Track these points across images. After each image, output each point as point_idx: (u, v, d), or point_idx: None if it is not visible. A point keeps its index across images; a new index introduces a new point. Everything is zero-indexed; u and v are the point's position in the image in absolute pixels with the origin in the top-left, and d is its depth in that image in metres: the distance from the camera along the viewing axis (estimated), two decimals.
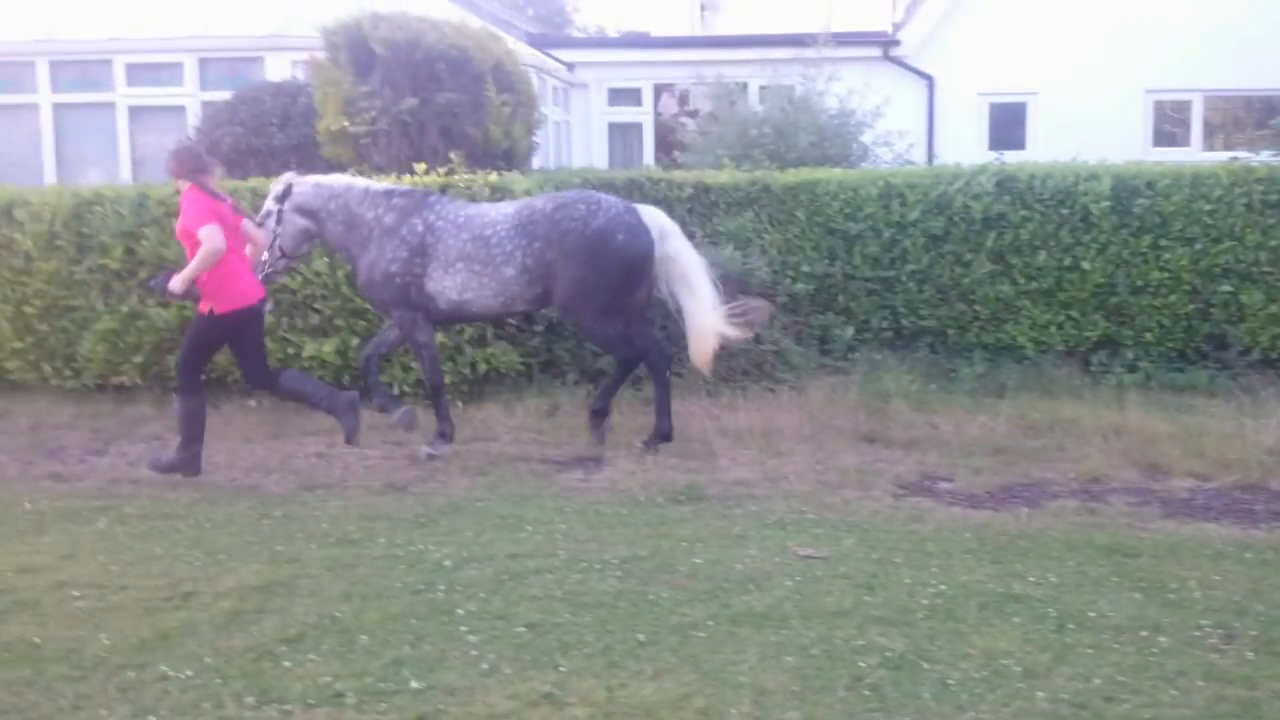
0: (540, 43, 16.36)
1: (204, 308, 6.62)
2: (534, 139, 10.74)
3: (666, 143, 16.74)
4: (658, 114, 17.46)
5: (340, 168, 9.13)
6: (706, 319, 7.02)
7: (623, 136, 17.47)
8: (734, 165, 10.34)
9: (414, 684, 3.89)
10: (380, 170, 8.81)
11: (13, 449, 7.55)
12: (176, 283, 6.51)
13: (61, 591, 4.83)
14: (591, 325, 7.14)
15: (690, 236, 9.50)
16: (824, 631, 4.34)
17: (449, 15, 10.59)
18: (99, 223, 8.55)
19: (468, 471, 6.82)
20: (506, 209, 7.18)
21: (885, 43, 16.38)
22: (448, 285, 7.01)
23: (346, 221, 7.20)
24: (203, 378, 7.01)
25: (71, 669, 4.06)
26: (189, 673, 3.98)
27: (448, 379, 8.16)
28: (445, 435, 7.21)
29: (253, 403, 8.43)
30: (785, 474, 6.60)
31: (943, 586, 4.83)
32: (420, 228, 7.05)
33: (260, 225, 7.16)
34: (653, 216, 7.14)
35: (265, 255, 7.11)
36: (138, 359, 8.62)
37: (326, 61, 9.50)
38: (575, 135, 16.93)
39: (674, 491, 6.27)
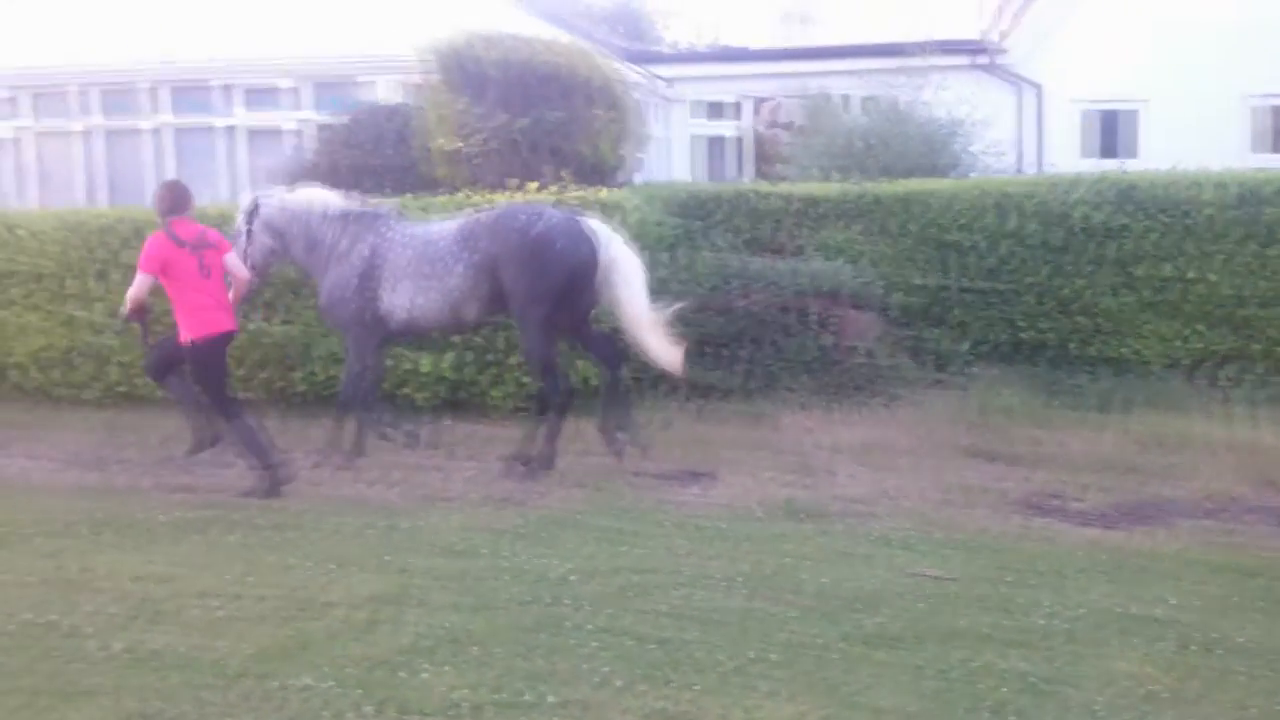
0: (636, 59, 16.44)
1: (183, 339, 6.88)
2: (638, 155, 10.79)
3: (762, 156, 16.70)
4: (755, 128, 17.43)
5: (453, 188, 9.29)
6: (642, 315, 7.04)
7: (720, 150, 17.48)
8: (840, 177, 10.27)
9: (550, 698, 3.92)
10: (492, 189, 8.93)
11: (146, 463, 7.79)
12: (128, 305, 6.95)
13: (203, 600, 4.97)
14: (531, 340, 7.13)
15: (799, 249, 9.53)
16: (962, 654, 4.25)
17: (558, 36, 10.73)
18: None
19: (575, 484, 6.86)
20: (451, 224, 7.34)
21: (988, 51, 16.09)
22: (397, 303, 7.19)
23: (307, 242, 7.42)
24: (235, 396, 7.35)
25: (217, 677, 4.18)
26: (330, 683, 4.07)
27: None
28: (337, 444, 7.49)
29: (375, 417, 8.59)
30: (905, 492, 6.50)
31: (1079, 609, 4.70)
32: (366, 251, 7.25)
33: (233, 242, 7.31)
34: (595, 226, 7.19)
35: (238, 274, 7.08)
36: (262, 375, 8.85)
37: (439, 83, 9.69)
38: (673, 150, 16.98)
39: (792, 508, 6.22)
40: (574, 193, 8.39)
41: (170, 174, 13.67)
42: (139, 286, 6.80)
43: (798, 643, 4.39)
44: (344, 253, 7.29)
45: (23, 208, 13.02)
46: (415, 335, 7.76)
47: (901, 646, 4.34)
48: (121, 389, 9.03)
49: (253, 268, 7.37)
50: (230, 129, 13.63)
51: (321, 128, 12.64)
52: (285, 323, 8.68)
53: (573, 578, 5.14)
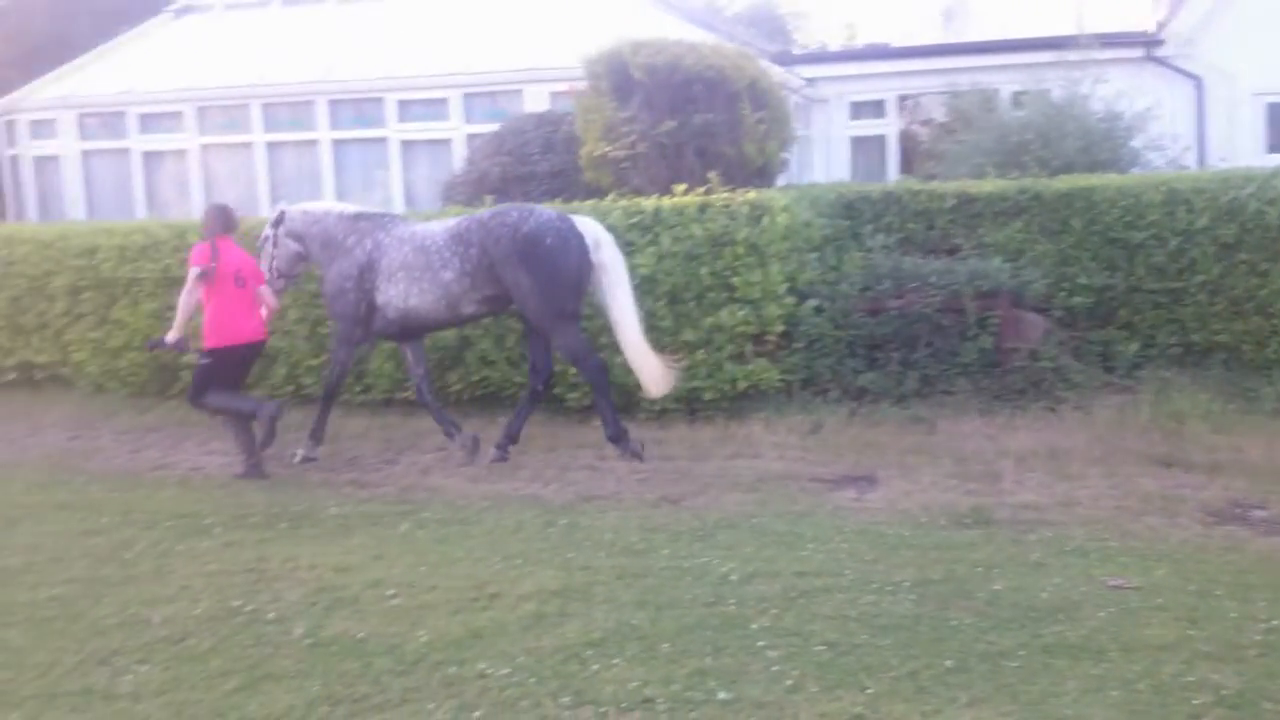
0: (779, 59, 16.35)
1: (208, 344, 7.47)
2: (784, 155, 10.71)
3: (910, 154, 16.37)
4: (901, 126, 17.11)
5: (600, 192, 9.39)
6: (630, 320, 7.28)
7: (864, 150, 17.22)
8: (994, 174, 9.98)
9: (721, 695, 3.91)
10: (639, 192, 9.00)
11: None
12: (171, 332, 7.57)
13: (378, 590, 5.13)
14: (555, 335, 7.37)
15: (954, 249, 9.30)
16: (1148, 665, 4.07)
17: (704, 38, 10.75)
18: None
19: (737, 487, 6.82)
20: (448, 223, 7.71)
21: (1148, 42, 15.40)
22: (393, 294, 7.61)
23: (324, 243, 7.96)
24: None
25: (395, 663, 4.30)
26: (505, 671, 4.15)
27: (710, 395, 8.26)
28: (316, 439, 7.93)
29: None
30: (1078, 498, 6.26)
31: (1272, 620, 4.44)
32: (369, 245, 7.74)
33: (260, 249, 8.05)
34: (587, 225, 7.39)
35: (270, 303, 7.87)
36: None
37: (588, 90, 9.81)
38: (815, 150, 16.81)
39: (958, 514, 6.05)
40: (721, 194, 8.39)
41: (330, 185, 14.26)
42: (191, 290, 7.43)
43: (972, 650, 4.26)
44: (350, 248, 7.81)
45: (183, 216, 13.72)
46: (415, 330, 7.93)
47: (1083, 656, 4.18)
48: (287, 387, 9.38)
49: (279, 272, 8.08)
50: (385, 140, 14.10)
51: (471, 137, 12.96)
52: None
53: (743, 579, 5.11)
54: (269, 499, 6.92)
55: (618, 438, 7.40)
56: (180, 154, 15.01)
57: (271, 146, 14.57)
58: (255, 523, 6.42)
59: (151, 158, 15.19)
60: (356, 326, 7.84)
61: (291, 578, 5.38)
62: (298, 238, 8.07)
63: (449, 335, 8.79)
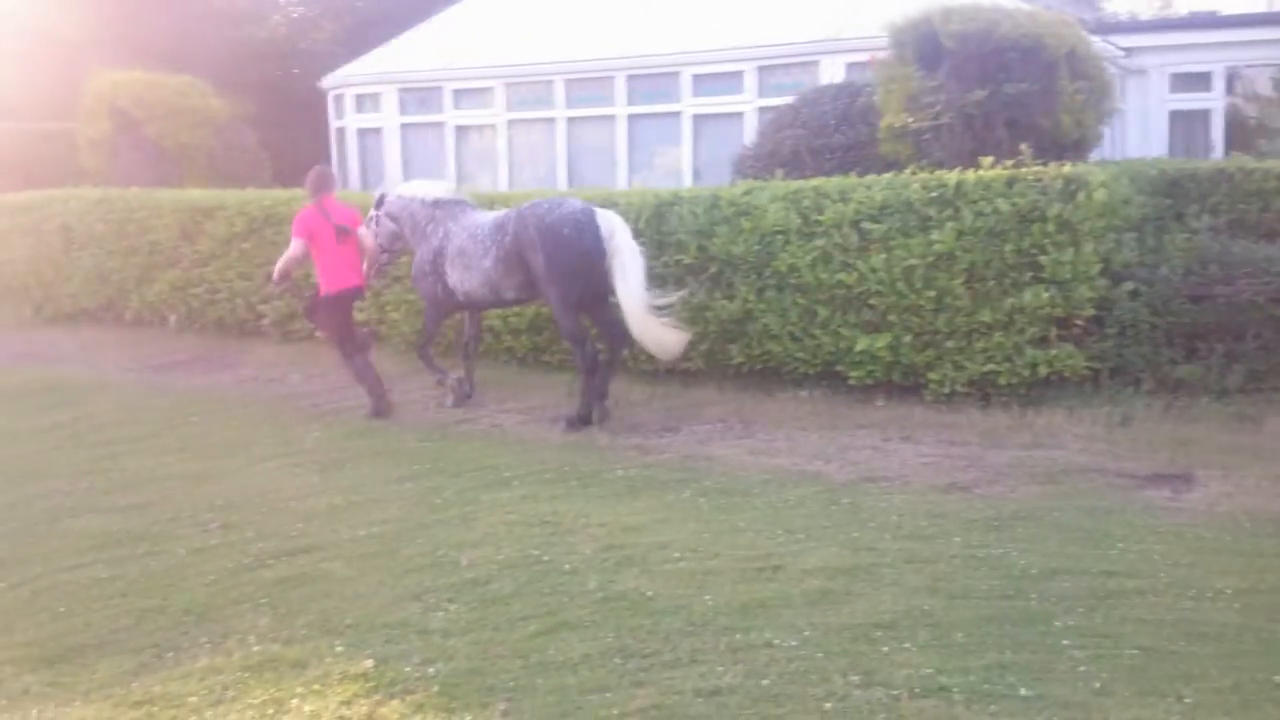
0: (1097, 28, 15.30)
1: (321, 292, 8.63)
2: (1100, 129, 10.00)
3: (1238, 130, 14.94)
4: (1230, 100, 15.64)
5: (898, 165, 9.10)
6: (637, 303, 7.76)
7: (1183, 124, 15.87)
8: None
9: (1023, 691, 3.71)
10: (940, 165, 8.64)
11: (600, 421, 8.36)
12: (275, 273, 8.79)
13: (664, 552, 5.23)
14: (557, 314, 8.16)
15: None
16: None
17: (1018, 4, 10.18)
18: (677, 222, 9.21)
19: (1035, 478, 6.46)
20: (496, 214, 8.47)
21: None
22: (454, 278, 8.39)
23: (412, 227, 8.75)
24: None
25: (683, 624, 4.37)
26: (793, 643, 4.12)
27: (1005, 380, 7.87)
28: (443, 382, 8.88)
29: (804, 393, 8.67)
30: None
31: None
32: (441, 232, 8.51)
33: (367, 225, 8.87)
34: (605, 217, 7.98)
35: (368, 244, 8.77)
36: (703, 347, 9.14)
37: (891, 59, 9.53)
38: (1129, 124, 15.66)
39: None
40: (1032, 167, 7.92)
41: (623, 159, 14.66)
42: (293, 250, 8.56)
43: None
44: (429, 235, 8.62)
45: (488, 187, 14.49)
46: (478, 308, 8.78)
47: None
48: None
49: (381, 248, 8.93)
50: (678, 115, 14.31)
51: (763, 110, 12.91)
52: (727, 298, 8.93)
53: (1044, 574, 4.85)
54: (560, 458, 7.21)
55: (584, 419, 8.07)
56: (489, 128, 15.87)
57: (571, 122, 15.13)
58: (549, 479, 6.71)
59: (463, 131, 16.16)
60: (437, 306, 8.71)
61: (584, 533, 5.58)
62: (394, 219, 8.91)
63: (733, 308, 8.83)
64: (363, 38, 20.74)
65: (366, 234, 8.78)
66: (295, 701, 3.85)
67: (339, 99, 17.37)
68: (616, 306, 8.18)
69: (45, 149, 18.64)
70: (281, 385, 9.63)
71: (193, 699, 3.90)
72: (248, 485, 6.64)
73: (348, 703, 3.82)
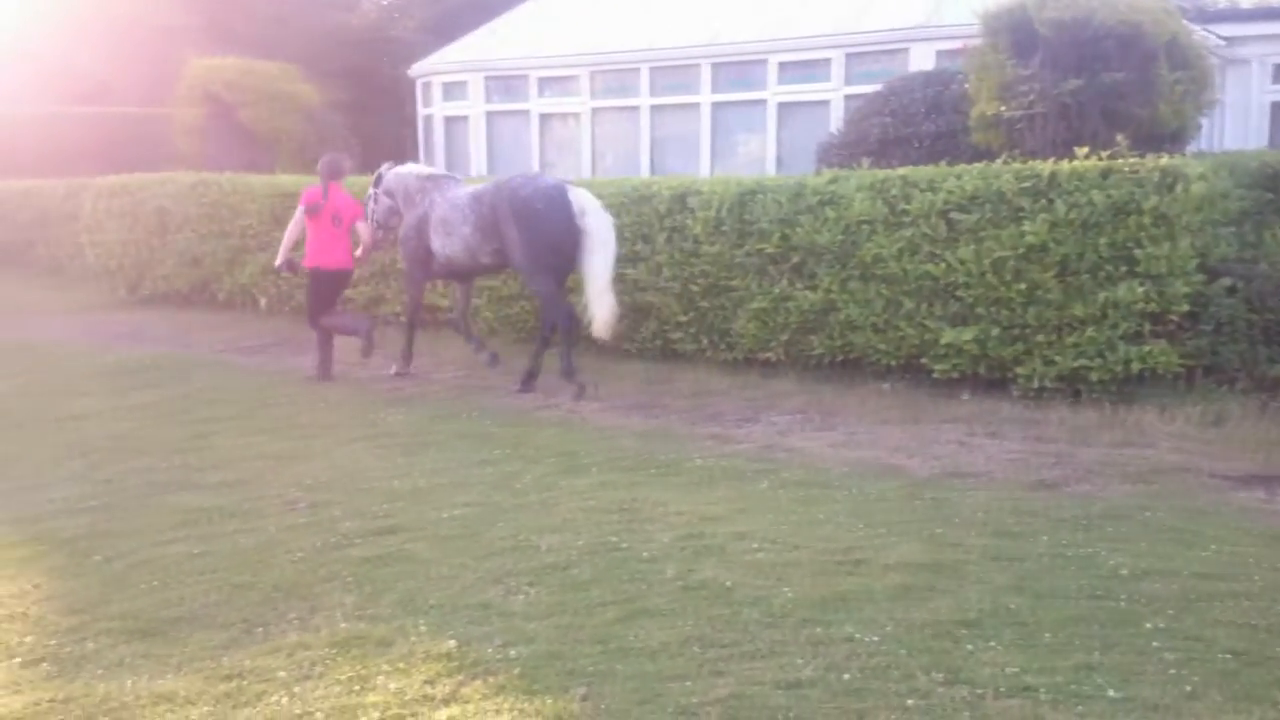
0: (1196, 17, 14.82)
1: (309, 264, 9.45)
2: (1200, 120, 9.69)
3: None
4: None
5: (989, 154, 8.94)
6: (599, 281, 8.43)
7: None
8: None
9: (1111, 692, 3.63)
10: (1033, 155, 8.46)
11: (679, 410, 8.36)
12: (279, 257, 9.74)
13: (743, 542, 5.21)
14: (532, 281, 8.87)
15: None
16: None
17: None
18: (760, 211, 9.15)
19: (1126, 477, 6.31)
20: (476, 187, 9.19)
21: None
22: (437, 243, 9.13)
23: (405, 196, 9.50)
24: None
25: (762, 615, 4.35)
26: (874, 638, 4.07)
27: (1096, 376, 7.70)
28: (406, 359, 9.65)
29: (886, 386, 8.57)
30: None
31: None
32: (428, 202, 9.25)
33: (367, 203, 9.73)
34: (578, 195, 8.59)
35: (365, 239, 9.70)
36: (783, 337, 9.11)
37: (984, 46, 9.34)
38: (1228, 115, 15.17)
39: None
40: (1128, 159, 7.71)
41: (706, 147, 14.61)
42: (296, 221, 9.50)
43: None
44: (417, 203, 9.37)
45: (571, 174, 14.52)
46: (456, 273, 9.47)
47: None
48: (657, 342, 9.74)
49: (378, 224, 9.75)
50: (762, 103, 14.22)
51: (851, 98, 12.76)
52: (809, 288, 8.86)
53: (1133, 574, 4.73)
54: (639, 446, 7.22)
55: (569, 373, 8.73)
56: (573, 116, 15.94)
57: (655, 109, 15.12)
58: (627, 466, 6.72)
59: (546, 119, 16.25)
60: (418, 268, 9.43)
61: (662, 521, 5.59)
62: (390, 195, 9.67)
63: (813, 299, 8.76)
64: (451, 25, 20.97)
65: (365, 229, 9.66)
66: (380, 679, 3.92)
67: (427, 87, 17.59)
68: (568, 290, 9.04)
69: (141, 133, 19.22)
70: (365, 368, 9.80)
71: (281, 674, 3.99)
72: (334, 465, 6.78)
73: (431, 681, 3.88)
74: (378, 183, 9.81)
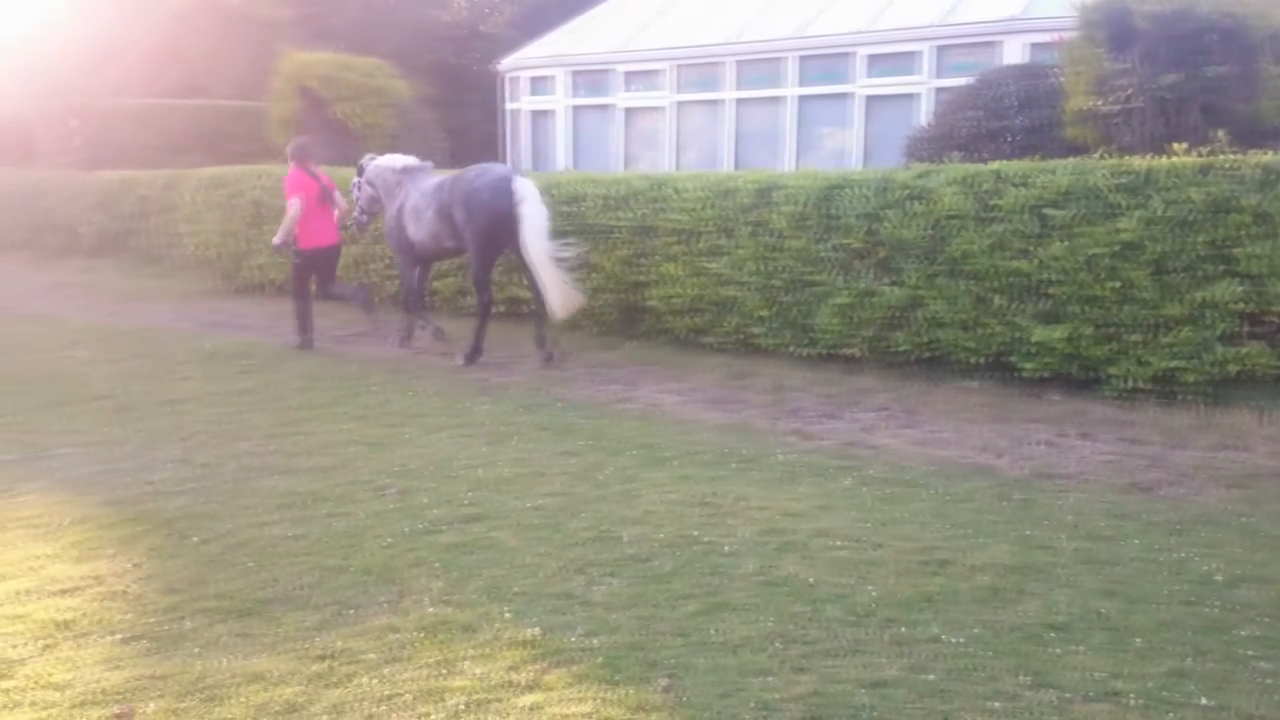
0: None
1: (300, 246, 10.24)
2: None
3: None
4: None
5: (1084, 149, 8.76)
6: (537, 257, 9.18)
7: None
8: None
9: (1202, 700, 3.55)
10: (1128, 151, 8.26)
11: (760, 405, 8.34)
12: (276, 238, 10.37)
13: (824, 539, 5.19)
14: (473, 262, 9.67)
15: None
16: None
17: None
18: (845, 205, 9.07)
19: (1221, 481, 6.15)
20: (440, 177, 9.97)
21: None
22: (410, 230, 9.94)
23: (385, 189, 10.32)
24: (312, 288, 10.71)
25: (845, 613, 4.33)
26: (959, 639, 4.04)
27: (1191, 377, 7.50)
28: (405, 336, 10.51)
29: (972, 384, 8.45)
30: None
31: None
32: (403, 194, 10.04)
33: (350, 193, 10.75)
34: (521, 184, 9.36)
35: (354, 213, 10.75)
36: (866, 333, 9.03)
37: (1079, 40, 9.13)
38: None
39: None
40: (1227, 155, 7.48)
41: (791, 140, 14.52)
42: (292, 210, 10.08)
43: None
44: (396, 195, 10.14)
45: (653, 168, 14.54)
46: (428, 257, 10.25)
47: None
48: (738, 336, 9.72)
49: (361, 209, 10.66)
50: (849, 96, 14.08)
51: (939, 91, 12.57)
52: (894, 284, 8.77)
53: (1228, 581, 4.64)
54: (719, 440, 7.23)
55: (473, 356, 9.66)
56: (657, 110, 15.96)
57: (740, 103, 15.07)
58: (707, 460, 6.73)
59: (631, 113, 16.30)
60: (405, 254, 10.18)
61: (743, 515, 5.59)
62: (372, 185, 10.47)
63: (898, 295, 8.67)
64: (538, 21, 21.13)
65: (339, 197, 10.48)
66: (465, 664, 3.99)
67: (513, 81, 17.76)
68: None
69: (237, 126, 19.72)
70: (452, 359, 9.95)
71: (370, 656, 4.09)
72: (422, 453, 6.91)
73: (514, 668, 3.94)
74: (361, 172, 10.66)
